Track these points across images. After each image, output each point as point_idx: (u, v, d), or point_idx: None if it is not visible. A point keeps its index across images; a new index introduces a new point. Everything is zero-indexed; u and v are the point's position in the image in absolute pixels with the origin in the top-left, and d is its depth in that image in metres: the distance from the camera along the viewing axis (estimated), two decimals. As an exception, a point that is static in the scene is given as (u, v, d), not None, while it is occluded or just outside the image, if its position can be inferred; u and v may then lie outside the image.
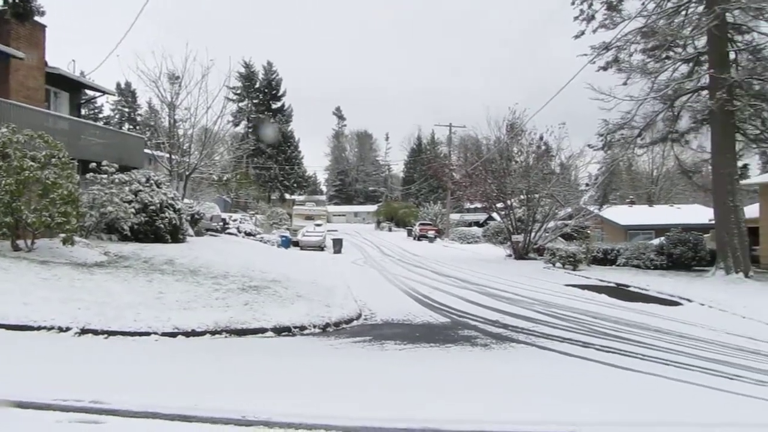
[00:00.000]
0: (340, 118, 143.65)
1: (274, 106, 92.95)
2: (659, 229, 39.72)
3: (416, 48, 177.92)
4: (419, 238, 65.79)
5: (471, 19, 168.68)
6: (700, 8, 28.58)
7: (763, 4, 26.56)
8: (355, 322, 14.85)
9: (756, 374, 10.36)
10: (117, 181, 23.00)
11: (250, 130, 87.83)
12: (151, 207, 24.87)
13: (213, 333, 12.06)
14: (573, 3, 30.94)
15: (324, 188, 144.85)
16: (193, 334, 11.84)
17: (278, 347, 11.74)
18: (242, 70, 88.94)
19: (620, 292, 22.93)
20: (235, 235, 40.37)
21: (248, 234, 42.86)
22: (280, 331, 12.92)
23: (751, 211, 34.51)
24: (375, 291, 21.33)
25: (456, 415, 6.81)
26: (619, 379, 9.73)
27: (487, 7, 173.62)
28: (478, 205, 51.84)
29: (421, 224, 70.69)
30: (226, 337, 12.05)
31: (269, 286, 17.88)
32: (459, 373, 9.96)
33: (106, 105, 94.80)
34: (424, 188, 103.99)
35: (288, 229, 55.06)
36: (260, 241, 40.96)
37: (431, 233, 65.08)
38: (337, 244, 43.81)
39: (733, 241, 27.41)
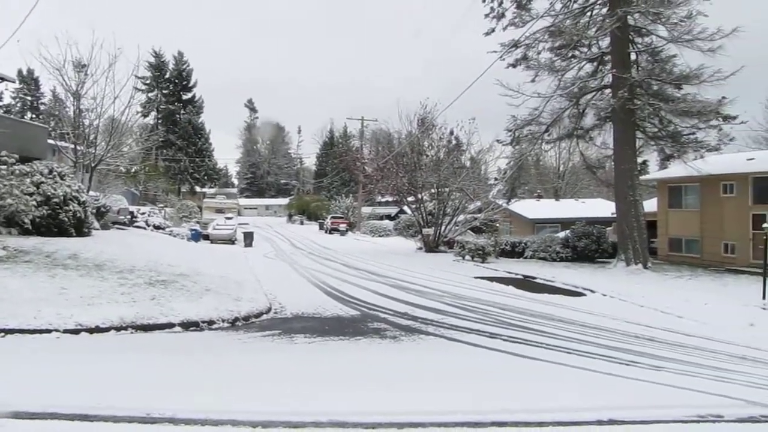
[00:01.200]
0: (252, 110, 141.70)
1: (184, 97, 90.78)
2: (565, 223, 40.89)
3: (330, 40, 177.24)
4: (331, 231, 65.76)
5: (386, 13, 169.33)
6: (604, 10, 29.64)
7: (661, 9, 27.77)
8: (264, 316, 14.73)
9: (651, 360, 10.85)
10: (17, 172, 21.93)
11: (159, 121, 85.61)
12: (54, 200, 23.86)
13: (118, 329, 11.72)
14: (484, 1, 31.46)
15: (235, 181, 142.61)
16: (98, 330, 11.48)
17: (185, 343, 11.52)
18: (152, 59, 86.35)
19: (527, 284, 23.54)
20: (144, 228, 39.28)
21: (157, 227, 41.79)
22: (188, 326, 12.69)
23: (650, 205, 36.05)
24: (285, 284, 21.19)
25: (360, 407, 6.87)
26: (524, 368, 10.00)
27: (402, 1, 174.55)
28: (390, 199, 52.19)
29: (333, 217, 70.68)
30: (131, 333, 11.74)
31: (177, 280, 17.49)
32: (366, 366, 10.01)
33: (6, 93, 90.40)
34: (337, 181, 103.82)
35: (198, 222, 53.95)
36: (169, 234, 39.98)
37: (343, 226, 65.18)
38: (248, 238, 43.23)
39: (633, 234, 28.59)
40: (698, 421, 7.18)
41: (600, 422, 6.85)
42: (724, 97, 27.83)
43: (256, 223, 71.30)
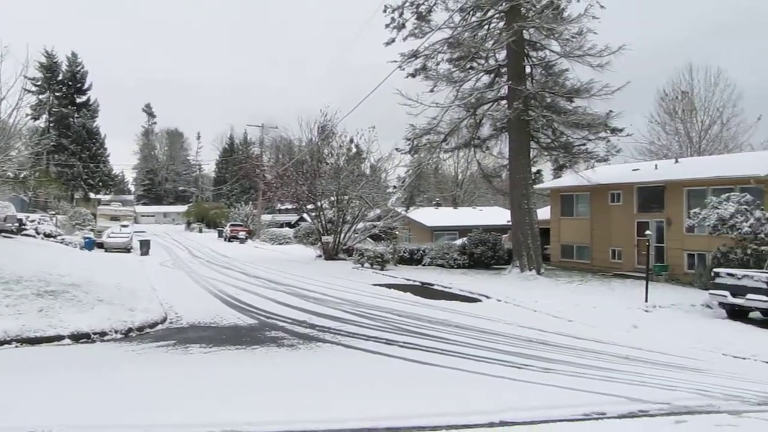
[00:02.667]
0: (150, 115, 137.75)
1: (78, 100, 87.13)
2: (463, 230, 41.64)
3: (232, 46, 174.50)
4: (230, 239, 64.81)
5: (291, 19, 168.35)
6: (501, 24, 30.48)
7: (554, 25, 28.88)
8: (160, 326, 14.39)
9: (542, 362, 11.24)
10: None
11: (51, 125, 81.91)
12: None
13: (1, 343, 11.19)
14: (385, 11, 31.71)
15: (132, 188, 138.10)
16: (-23, 344, 10.94)
17: (74, 355, 11.12)
18: (43, 60, 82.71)
19: (425, 291, 23.87)
20: (33, 236, 37.48)
21: (48, 235, 39.97)
22: (79, 338, 12.27)
23: (544, 213, 37.35)
24: (182, 294, 20.72)
25: (246, 418, 6.87)
26: (420, 374, 10.15)
27: (306, 9, 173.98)
28: (290, 206, 51.88)
29: (232, 225, 69.67)
30: (16, 346, 11.26)
31: (68, 290, 16.80)
32: (259, 376, 9.94)
33: None
34: (236, 189, 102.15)
35: (92, 230, 52.00)
36: (61, 242, 38.39)
37: (242, 234, 64.32)
38: (144, 246, 42.00)
39: (527, 241, 29.49)
40: (583, 419, 7.52)
41: (492, 424, 7.07)
42: (611, 111, 29.29)
43: (153, 231, 69.38)
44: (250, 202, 79.43)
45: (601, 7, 28.64)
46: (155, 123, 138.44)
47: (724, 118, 49.64)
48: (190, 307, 17.25)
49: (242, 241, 62.27)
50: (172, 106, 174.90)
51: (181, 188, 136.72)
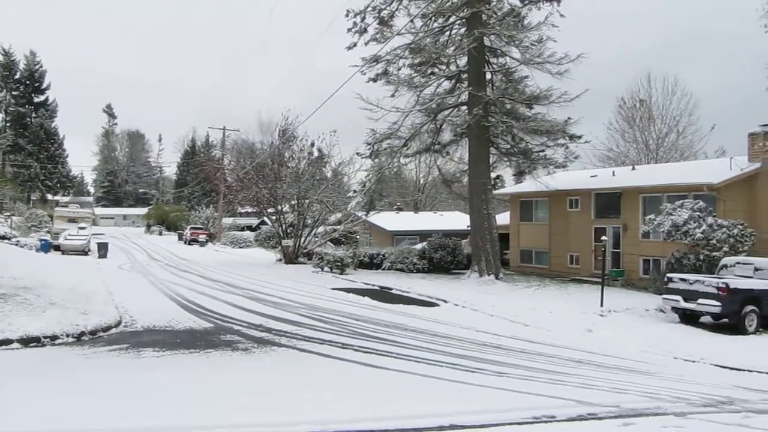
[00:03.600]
0: (111, 116, 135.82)
1: (36, 100, 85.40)
2: (423, 235, 41.76)
3: (194, 47, 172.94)
4: (190, 242, 64.21)
5: (255, 21, 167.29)
6: (462, 30, 30.64)
7: (514, 32, 29.18)
8: (114, 330, 14.15)
9: (495, 366, 11.32)
10: None
11: (8, 125, 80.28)
12: None
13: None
14: (347, 15, 31.70)
15: (91, 189, 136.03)
16: None
17: (22, 360, 10.89)
18: (0, 58, 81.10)
19: (383, 295, 23.88)
20: (-14, 238, 36.78)
21: (2, 237, 39.19)
22: (28, 341, 12.01)
23: (504, 218, 37.64)
24: (139, 297, 20.41)
25: (195, 422, 6.81)
26: (374, 378, 10.14)
27: (269, 10, 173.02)
28: (251, 210, 51.49)
29: (193, 228, 68.99)
30: (-40, 350, 10.98)
31: (19, 293, 16.48)
32: (211, 380, 9.84)
33: None
34: (197, 192, 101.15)
35: (49, 232, 50.98)
36: (16, 245, 37.64)
37: (203, 237, 63.79)
38: (102, 248, 41.33)
39: (486, 246, 29.69)
40: (533, 422, 7.57)
41: (441, 428, 7.09)
42: (570, 118, 29.68)
43: (112, 234, 68.51)
44: (211, 205, 78.74)
45: (561, 15, 29.13)
46: (116, 124, 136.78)
47: (681, 126, 50.83)
48: (145, 311, 17.00)
49: (202, 244, 61.76)
50: (135, 107, 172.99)
51: (141, 190, 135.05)
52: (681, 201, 24.81)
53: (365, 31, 31.51)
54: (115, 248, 47.12)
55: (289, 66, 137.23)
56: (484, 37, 29.89)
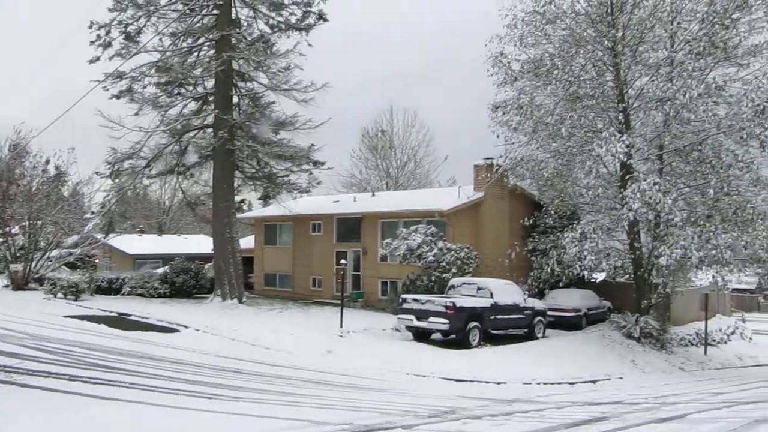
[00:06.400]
0: None
1: None
2: (167, 258, 40.43)
3: None
4: None
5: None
6: (211, 52, 30.40)
7: (263, 58, 29.62)
8: None
9: (232, 391, 11.27)
10: None
11: None
12: None
13: None
14: (90, 27, 29.90)
15: None
16: None
17: None
18: None
19: (121, 322, 22.70)
20: None
21: None
22: None
23: (248, 242, 37.72)
24: None
25: None
26: (100, 412, 9.60)
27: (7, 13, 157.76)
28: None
29: None
30: None
31: None
32: None
33: None
34: None
35: None
36: None
37: None
38: None
39: (230, 269, 29.48)
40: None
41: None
42: (313, 144, 30.79)
43: None
44: None
45: (309, 45, 30.18)
46: None
47: (419, 156, 54.82)
48: None
49: None
50: None
51: None
52: (416, 226, 26.61)
53: (110, 45, 29.96)
54: None
55: (28, 75, 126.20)
56: (233, 61, 29.97)
